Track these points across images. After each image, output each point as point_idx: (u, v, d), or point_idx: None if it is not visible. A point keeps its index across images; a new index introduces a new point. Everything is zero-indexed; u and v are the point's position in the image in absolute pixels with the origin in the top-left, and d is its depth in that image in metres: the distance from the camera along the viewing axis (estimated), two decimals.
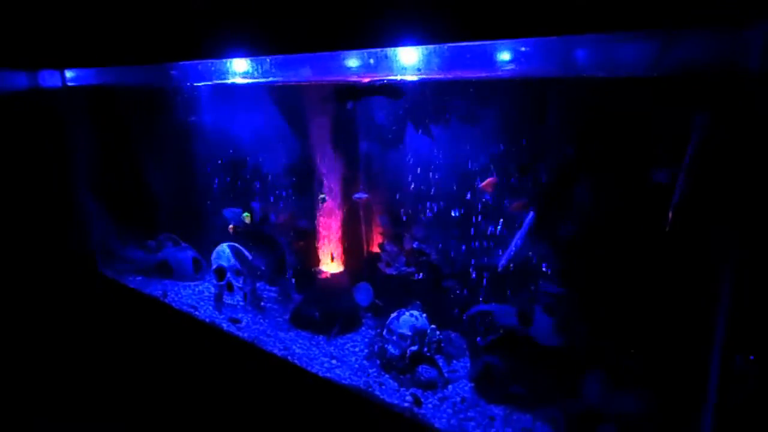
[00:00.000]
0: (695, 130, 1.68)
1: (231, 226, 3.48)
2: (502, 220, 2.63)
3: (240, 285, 3.37)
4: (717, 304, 1.60)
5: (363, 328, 3.10)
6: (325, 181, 3.14)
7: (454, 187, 2.78)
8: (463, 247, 2.81)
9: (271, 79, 2.83)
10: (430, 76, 2.27)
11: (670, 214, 1.73)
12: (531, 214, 2.46)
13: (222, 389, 3.11)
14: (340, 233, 3.21)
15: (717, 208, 1.61)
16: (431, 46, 2.09)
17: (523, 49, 2.03)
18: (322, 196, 3.04)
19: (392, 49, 2.18)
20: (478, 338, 2.52)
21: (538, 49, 1.98)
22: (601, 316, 2.18)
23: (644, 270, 2.01)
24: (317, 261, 3.28)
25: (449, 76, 2.32)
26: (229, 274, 3.35)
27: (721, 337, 1.59)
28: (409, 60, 2.21)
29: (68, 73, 3.75)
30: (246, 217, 3.41)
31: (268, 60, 2.67)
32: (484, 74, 2.29)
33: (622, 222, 2.10)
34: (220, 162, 3.80)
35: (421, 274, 2.95)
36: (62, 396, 3.36)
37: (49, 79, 3.67)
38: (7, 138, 3.41)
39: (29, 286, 3.65)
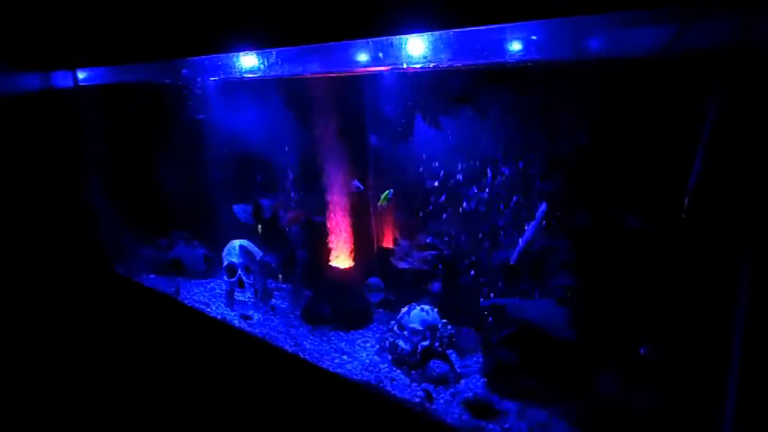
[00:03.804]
0: (710, 111, 1.61)
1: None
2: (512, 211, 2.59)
3: (251, 282, 3.36)
4: (737, 295, 1.54)
5: (374, 324, 3.08)
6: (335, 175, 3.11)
7: (468, 181, 2.74)
8: (475, 241, 2.76)
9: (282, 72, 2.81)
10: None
11: (686, 200, 1.67)
12: (543, 205, 2.41)
13: (234, 385, 3.11)
14: (350, 228, 3.17)
15: (735, 193, 1.55)
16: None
17: (533, 37, 1.98)
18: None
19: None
20: (491, 333, 2.48)
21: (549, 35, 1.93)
22: (617, 309, 2.12)
23: (661, 260, 1.95)
24: (328, 256, 3.25)
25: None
26: (239, 271, 3.34)
27: (740, 330, 1.54)
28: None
29: (80, 74, 3.79)
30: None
31: (273, 53, 2.65)
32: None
33: (638, 210, 2.04)
34: (228, 157, 3.81)
35: (437, 269, 2.91)
36: (76, 392, 3.39)
37: (61, 79, 3.70)
38: (20, 139, 3.44)
39: (44, 286, 3.67)
